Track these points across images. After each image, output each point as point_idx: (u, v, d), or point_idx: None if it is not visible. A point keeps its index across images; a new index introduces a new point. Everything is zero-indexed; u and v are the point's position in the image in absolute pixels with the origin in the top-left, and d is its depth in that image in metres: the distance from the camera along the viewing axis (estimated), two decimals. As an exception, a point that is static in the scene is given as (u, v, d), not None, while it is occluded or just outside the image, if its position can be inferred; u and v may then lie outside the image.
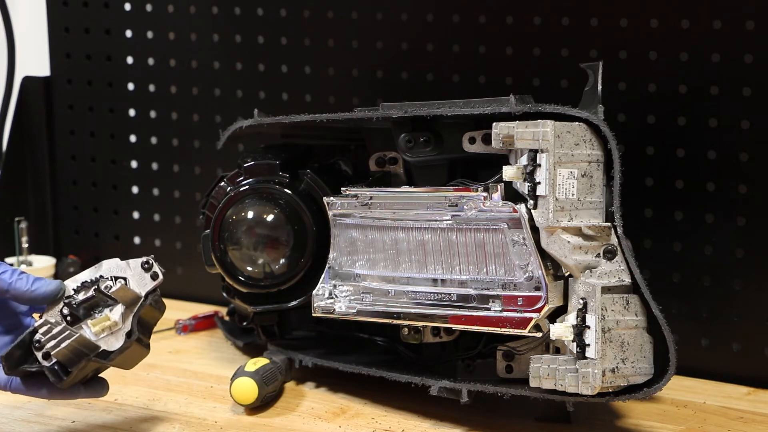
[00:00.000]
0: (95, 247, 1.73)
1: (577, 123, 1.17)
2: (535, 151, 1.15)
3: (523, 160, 1.17)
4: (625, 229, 1.17)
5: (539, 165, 1.15)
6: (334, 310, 1.28)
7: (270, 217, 1.34)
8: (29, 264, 1.65)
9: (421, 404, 1.28)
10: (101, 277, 1.15)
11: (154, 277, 1.15)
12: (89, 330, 1.13)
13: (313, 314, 1.30)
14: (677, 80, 1.34)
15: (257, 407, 1.29)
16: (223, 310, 1.57)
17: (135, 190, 1.71)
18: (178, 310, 1.61)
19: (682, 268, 1.37)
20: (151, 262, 1.15)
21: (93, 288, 1.14)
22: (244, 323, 1.41)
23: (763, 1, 1.29)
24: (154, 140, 1.68)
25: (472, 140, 1.24)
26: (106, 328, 1.13)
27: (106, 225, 1.73)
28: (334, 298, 1.29)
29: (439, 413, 1.27)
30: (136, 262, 1.15)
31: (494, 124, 1.18)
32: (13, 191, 1.72)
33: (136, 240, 1.70)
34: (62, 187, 1.75)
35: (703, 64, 1.32)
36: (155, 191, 1.69)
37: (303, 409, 1.30)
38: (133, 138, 1.70)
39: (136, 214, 1.71)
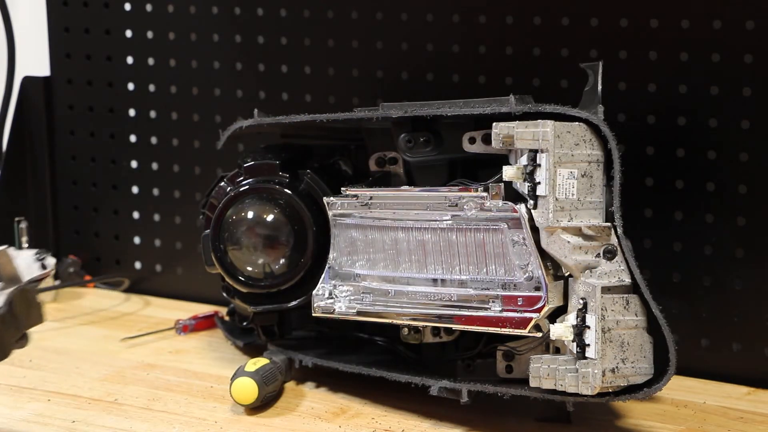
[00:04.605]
0: (95, 247, 1.73)
1: (577, 123, 1.17)
2: (535, 151, 1.15)
3: (523, 160, 1.17)
4: (625, 229, 1.17)
5: (539, 165, 1.15)
6: (334, 310, 1.28)
7: (270, 217, 1.34)
8: (29, 264, 1.65)
9: (421, 404, 1.28)
10: None
11: (43, 267, 1.12)
12: None
13: (313, 314, 1.30)
14: (677, 80, 1.34)
15: (257, 407, 1.29)
16: (223, 310, 1.57)
17: (135, 190, 1.70)
18: (178, 310, 1.61)
19: (682, 268, 1.37)
20: (44, 255, 1.13)
21: None
22: (244, 323, 1.41)
23: (763, 1, 1.29)
24: (154, 140, 1.68)
25: (472, 140, 1.24)
26: None
27: (106, 225, 1.72)
28: (334, 298, 1.29)
29: (439, 413, 1.27)
30: (29, 252, 1.13)
31: (494, 124, 1.18)
32: (13, 191, 1.72)
33: (136, 240, 1.70)
34: (62, 187, 1.75)
35: (703, 64, 1.32)
36: (155, 191, 1.69)
37: (303, 409, 1.30)
38: (133, 138, 1.70)
39: (136, 214, 1.70)
